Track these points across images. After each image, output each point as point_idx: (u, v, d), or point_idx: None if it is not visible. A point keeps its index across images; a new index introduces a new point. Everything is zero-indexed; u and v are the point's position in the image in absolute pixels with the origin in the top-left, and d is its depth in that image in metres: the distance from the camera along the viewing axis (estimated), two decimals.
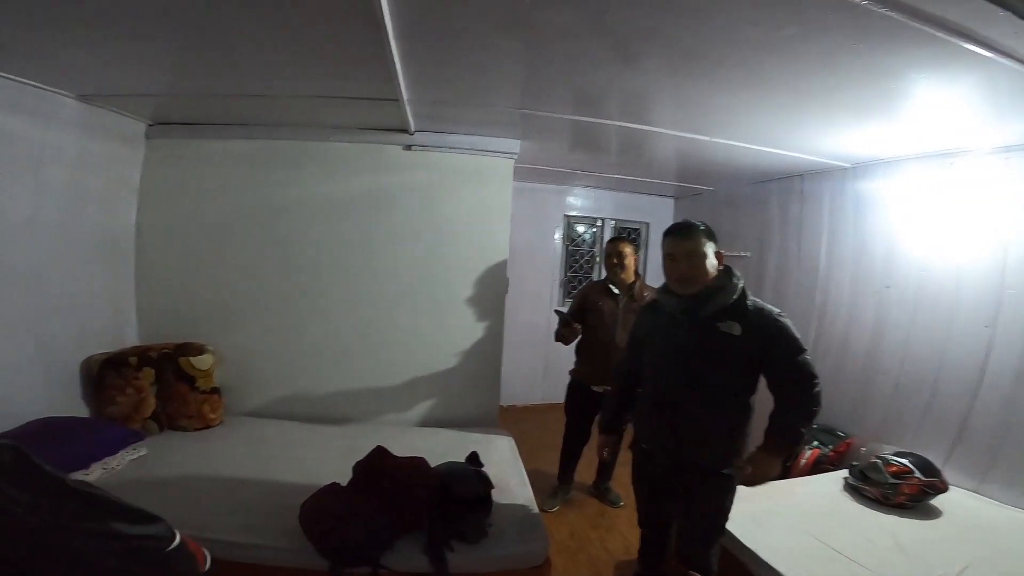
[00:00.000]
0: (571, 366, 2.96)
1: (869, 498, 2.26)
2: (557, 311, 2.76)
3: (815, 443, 2.86)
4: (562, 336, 2.78)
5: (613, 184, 4.50)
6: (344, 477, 1.94)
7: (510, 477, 2.30)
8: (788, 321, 1.64)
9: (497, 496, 1.98)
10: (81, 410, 2.48)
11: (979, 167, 2.43)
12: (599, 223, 5.00)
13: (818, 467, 2.76)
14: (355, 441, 2.41)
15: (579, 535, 2.67)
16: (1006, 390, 2.26)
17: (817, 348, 3.16)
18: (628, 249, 2.79)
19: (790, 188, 3.52)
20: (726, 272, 1.69)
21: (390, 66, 1.80)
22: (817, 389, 1.61)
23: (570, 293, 4.88)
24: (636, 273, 2.82)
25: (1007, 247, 2.31)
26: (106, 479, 1.98)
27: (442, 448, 2.37)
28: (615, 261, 2.77)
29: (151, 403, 2.60)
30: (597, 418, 2.79)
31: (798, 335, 1.64)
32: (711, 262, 1.66)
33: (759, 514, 2.01)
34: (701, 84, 1.88)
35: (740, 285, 1.66)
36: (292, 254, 2.99)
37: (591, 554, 2.50)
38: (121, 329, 2.81)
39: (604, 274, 2.92)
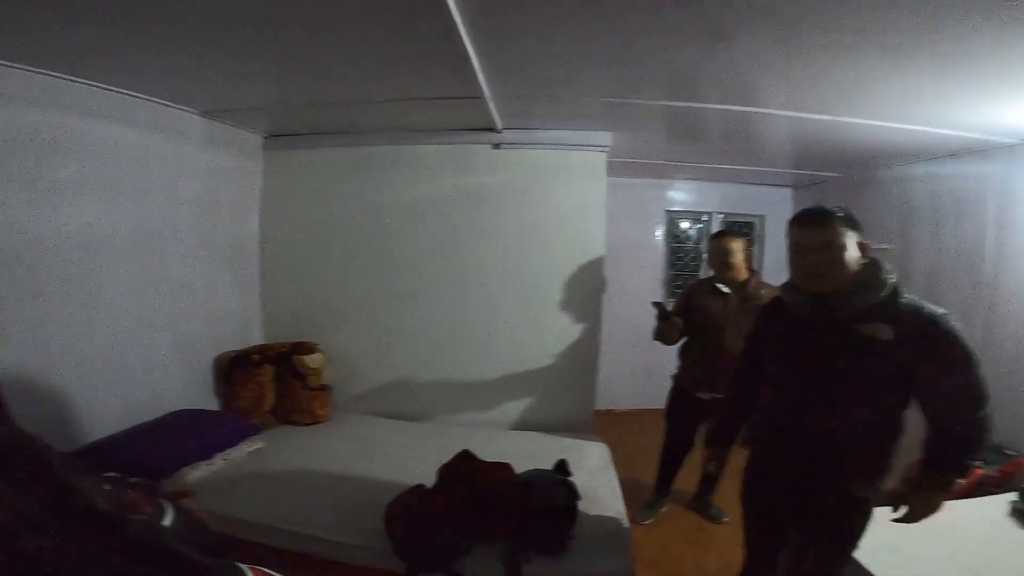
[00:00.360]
0: (674, 370, 2.79)
1: None
2: (655, 303, 2.57)
3: (978, 463, 2.40)
4: (661, 333, 2.60)
5: (720, 175, 4.19)
6: (432, 478, 1.98)
7: (601, 486, 2.22)
8: (956, 325, 1.34)
9: (585, 506, 1.92)
10: (212, 403, 2.78)
11: None
12: (705, 218, 4.68)
13: (979, 489, 2.32)
14: (446, 441, 2.46)
15: (672, 551, 2.51)
16: None
17: (984, 356, 2.64)
18: (736, 244, 2.55)
19: (939, 170, 3.00)
20: (872, 265, 1.41)
21: (466, 63, 1.80)
22: (986, 414, 1.32)
23: (674, 293, 4.64)
24: (750, 269, 2.58)
25: None
26: (227, 470, 2.21)
27: (531, 453, 2.35)
28: (721, 258, 2.55)
29: (270, 398, 2.85)
30: (701, 427, 2.65)
31: (968, 344, 1.33)
32: (851, 254, 1.39)
33: (900, 541, 1.70)
34: (815, 56, 1.65)
35: (891, 281, 1.38)
36: (390, 256, 3.14)
37: (683, 572, 2.35)
38: (248, 329, 3.12)
39: (711, 272, 2.70)
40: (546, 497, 1.86)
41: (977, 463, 1.43)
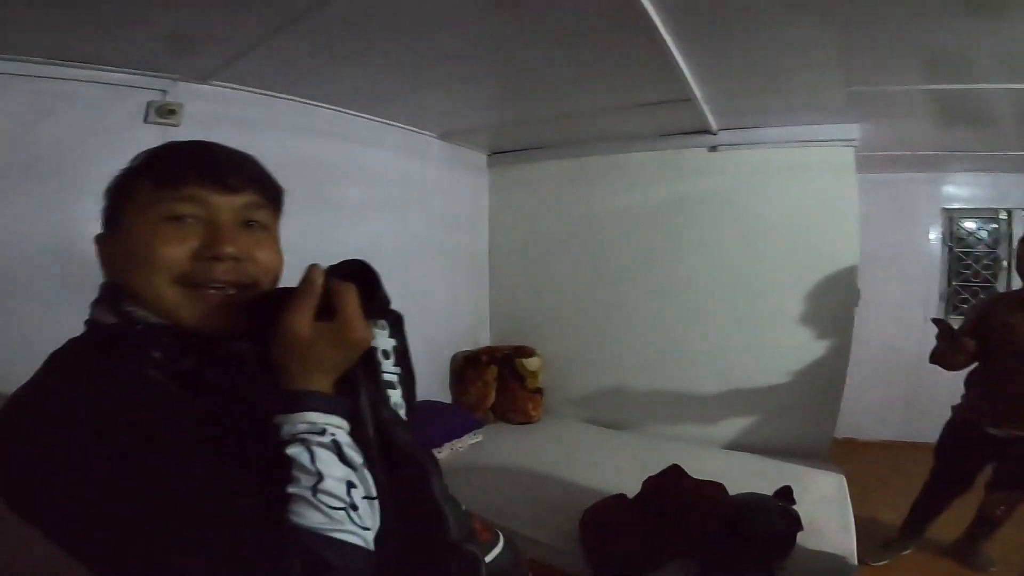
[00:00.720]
0: (952, 399, 2.35)
1: None
2: (936, 320, 2.16)
3: None
4: (943, 356, 2.20)
5: (1017, 164, 3.22)
6: (634, 488, 2.01)
7: (829, 520, 1.98)
8: None
9: (806, 539, 1.75)
10: (446, 396, 3.26)
11: None
12: (1004, 215, 3.66)
13: None
14: (654, 454, 2.44)
15: None
16: None
17: None
18: None
19: None
20: None
21: (672, 65, 1.79)
22: None
23: (958, 308, 3.79)
24: None
25: None
26: (450, 458, 2.55)
27: (750, 476, 2.19)
28: None
29: (492, 396, 3.21)
30: (983, 469, 2.24)
31: None
32: None
33: None
34: None
35: None
36: (605, 265, 3.24)
37: None
38: (478, 332, 3.58)
39: (1017, 283, 2.22)
40: (759, 520, 1.73)
41: None
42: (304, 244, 2.08)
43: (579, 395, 3.33)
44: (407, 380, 0.91)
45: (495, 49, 1.80)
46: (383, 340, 0.87)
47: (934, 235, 3.83)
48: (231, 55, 1.76)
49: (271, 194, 0.70)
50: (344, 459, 0.56)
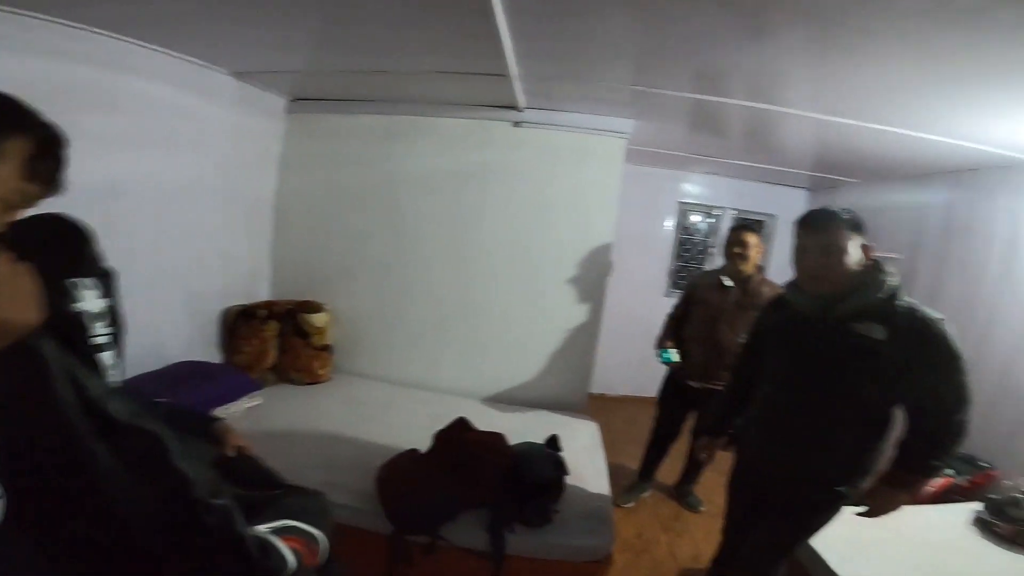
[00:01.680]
0: None
1: (1000, 535, 1.99)
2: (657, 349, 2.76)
3: (949, 471, 2.48)
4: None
5: (736, 171, 4.20)
6: (426, 444, 2.04)
7: (588, 466, 2.30)
8: (950, 329, 1.38)
9: (571, 483, 1.99)
10: (215, 356, 2.84)
11: None
12: (718, 212, 4.67)
13: (946, 497, 2.43)
14: (442, 409, 2.54)
15: (647, 536, 2.61)
16: None
17: (976, 370, 2.67)
18: (754, 239, 2.59)
19: (958, 184, 3.01)
20: (873, 267, 1.46)
21: (498, 41, 1.82)
22: (965, 418, 1.37)
23: (678, 284, 4.71)
24: (758, 267, 2.63)
25: None
26: None
27: (524, 427, 2.42)
28: (737, 250, 2.58)
29: (272, 355, 2.90)
30: (690, 416, 2.77)
31: (959, 348, 1.37)
32: (852, 257, 1.43)
33: (864, 541, 1.79)
34: (847, 59, 1.67)
35: (891, 283, 1.43)
36: (404, 224, 3.18)
37: (656, 557, 2.44)
38: (256, 284, 3.17)
39: (719, 265, 2.77)
40: (535, 470, 1.92)
41: (946, 468, 1.47)
42: None
43: (374, 353, 3.26)
44: (119, 338, 0.92)
45: None
46: (92, 302, 0.86)
47: (670, 223, 4.66)
48: None
49: None
50: None
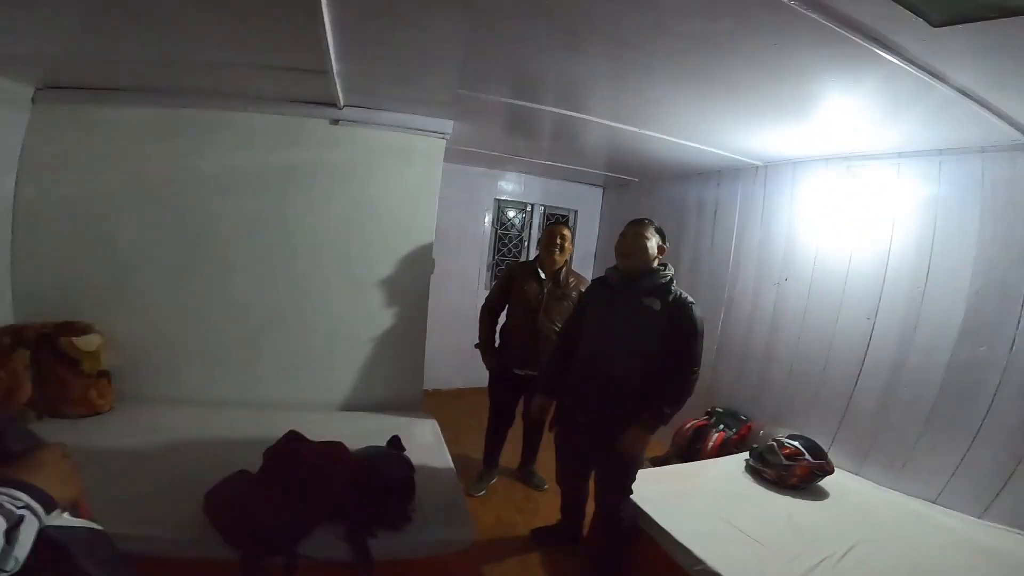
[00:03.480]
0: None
1: (767, 479, 2.46)
2: (477, 345, 2.97)
3: (721, 426, 3.07)
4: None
5: (544, 171, 4.62)
6: (255, 465, 1.88)
7: (434, 462, 2.32)
8: (695, 307, 1.98)
9: (421, 481, 1.99)
10: None
11: (875, 171, 2.71)
12: (529, 208, 5.08)
13: (724, 450, 2.98)
14: (268, 427, 2.30)
15: (505, 519, 2.75)
16: (883, 379, 2.57)
17: (723, 336, 3.43)
18: (568, 233, 2.86)
19: (707, 183, 3.75)
20: (663, 264, 2.07)
21: (321, 37, 1.76)
22: (693, 377, 1.96)
23: (496, 276, 4.97)
24: (567, 260, 2.90)
25: (890, 247, 2.57)
26: None
27: (363, 433, 2.33)
28: (556, 242, 2.80)
29: (27, 388, 2.29)
30: (518, 401, 2.97)
31: (699, 321, 1.97)
32: (652, 248, 2.03)
33: (671, 496, 2.18)
34: (637, 75, 2.00)
35: (670, 274, 2.05)
36: (196, 229, 2.81)
37: (517, 537, 2.58)
38: None
39: (533, 256, 3.00)
40: (383, 472, 1.89)
41: (670, 415, 1.98)
42: None
43: (170, 375, 2.82)
44: None
45: None
46: None
47: (488, 219, 4.90)
48: None
49: None
50: None
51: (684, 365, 1.94)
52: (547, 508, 2.82)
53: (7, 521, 0.65)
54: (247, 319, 2.90)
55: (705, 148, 2.97)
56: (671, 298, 1.96)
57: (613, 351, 2.02)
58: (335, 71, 2.17)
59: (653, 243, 2.04)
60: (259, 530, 1.58)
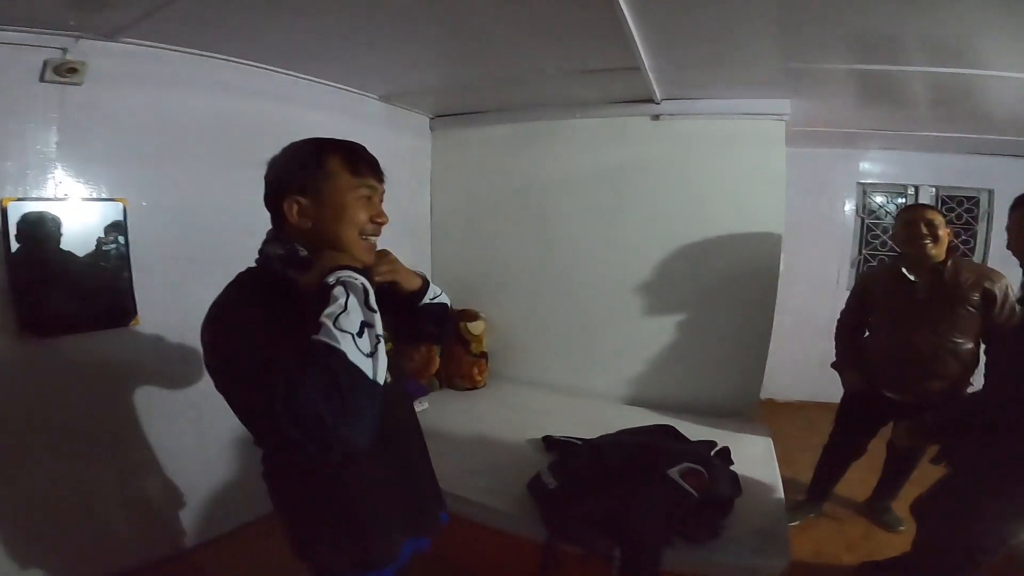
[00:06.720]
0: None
1: None
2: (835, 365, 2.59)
3: None
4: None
5: (931, 144, 3.62)
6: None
7: (760, 478, 2.12)
8: None
9: (742, 497, 1.89)
10: None
11: None
12: (911, 191, 4.08)
13: None
14: (598, 415, 2.60)
15: (825, 553, 2.39)
16: None
17: None
18: (937, 217, 2.19)
19: None
20: None
21: (626, 33, 1.81)
22: None
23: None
24: (950, 249, 2.20)
25: None
26: None
27: (692, 437, 2.35)
28: (921, 231, 2.17)
29: (436, 362, 3.24)
30: (879, 431, 2.46)
31: None
32: None
33: None
34: None
35: None
36: (549, 229, 3.30)
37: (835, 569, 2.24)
38: None
39: (896, 256, 2.40)
40: (709, 486, 1.83)
41: None
42: (235, 204, 2.01)
43: (523, 359, 3.44)
44: None
45: (440, 9, 1.76)
46: None
47: (849, 207, 4.17)
48: (142, 11, 1.69)
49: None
50: (367, 304, 0.88)
51: None
52: (889, 553, 2.28)
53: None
54: (585, 313, 3.25)
55: None
56: None
57: None
58: (647, 66, 2.21)
59: None
60: (569, 521, 1.76)
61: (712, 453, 2.11)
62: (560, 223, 3.26)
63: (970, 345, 2.15)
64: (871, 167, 4.07)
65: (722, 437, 2.38)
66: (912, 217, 2.22)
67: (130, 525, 2.16)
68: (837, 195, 4.16)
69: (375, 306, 0.89)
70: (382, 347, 0.86)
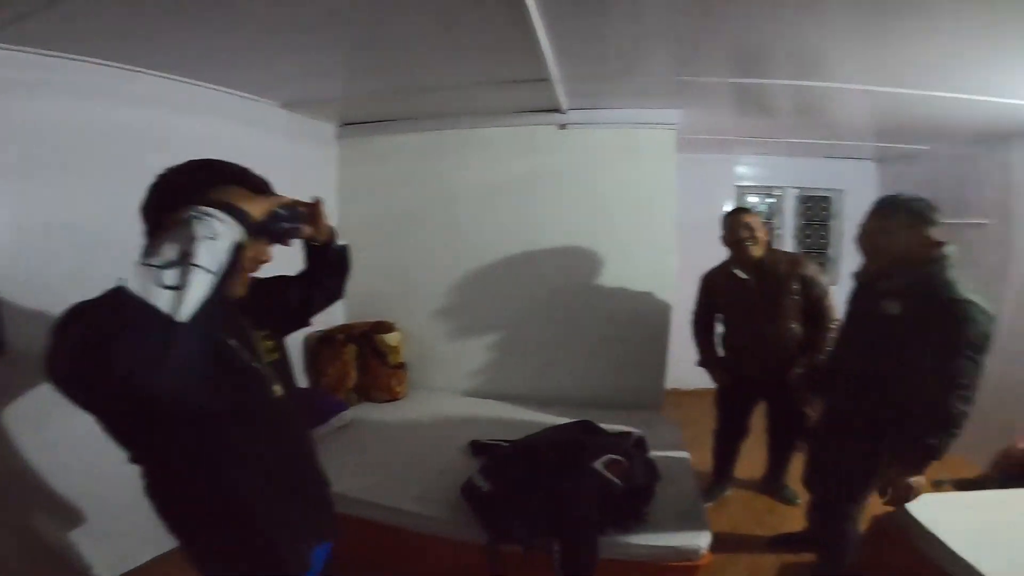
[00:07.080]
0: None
1: None
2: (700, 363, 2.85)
3: None
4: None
5: (793, 149, 4.14)
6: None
7: (673, 465, 2.26)
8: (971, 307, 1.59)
9: (659, 485, 2.00)
10: (301, 380, 3.07)
11: None
12: (778, 192, 4.58)
13: None
14: (520, 416, 2.70)
15: (743, 531, 2.60)
16: None
17: None
18: (753, 219, 2.55)
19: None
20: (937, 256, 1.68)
21: (536, 45, 1.88)
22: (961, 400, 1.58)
23: None
24: (767, 246, 2.58)
25: None
26: (322, 443, 2.42)
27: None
28: (742, 235, 2.51)
29: (353, 376, 3.13)
30: (755, 409, 2.77)
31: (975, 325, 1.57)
32: (902, 243, 1.72)
33: (984, 529, 1.72)
34: (897, 26, 1.62)
35: (936, 268, 1.67)
36: (460, 238, 3.33)
37: (753, 551, 2.43)
38: (332, 310, 3.37)
39: (726, 258, 2.73)
40: (630, 476, 1.93)
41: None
42: (107, 216, 1.84)
43: (444, 368, 3.43)
44: None
45: (345, 18, 1.72)
46: None
47: (728, 208, 4.58)
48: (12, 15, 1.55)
49: None
50: (206, 235, 0.75)
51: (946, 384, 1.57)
52: (795, 525, 2.56)
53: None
54: (500, 319, 3.32)
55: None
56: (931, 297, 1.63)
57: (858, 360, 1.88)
58: (555, 77, 2.31)
59: (904, 234, 1.71)
60: (508, 517, 1.81)
61: (631, 444, 2.23)
62: (471, 231, 3.30)
63: (800, 325, 2.52)
64: (746, 171, 4.56)
65: (635, 427, 2.50)
66: (733, 221, 2.56)
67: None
68: (719, 196, 4.58)
69: (218, 234, 0.77)
70: (199, 278, 0.72)
